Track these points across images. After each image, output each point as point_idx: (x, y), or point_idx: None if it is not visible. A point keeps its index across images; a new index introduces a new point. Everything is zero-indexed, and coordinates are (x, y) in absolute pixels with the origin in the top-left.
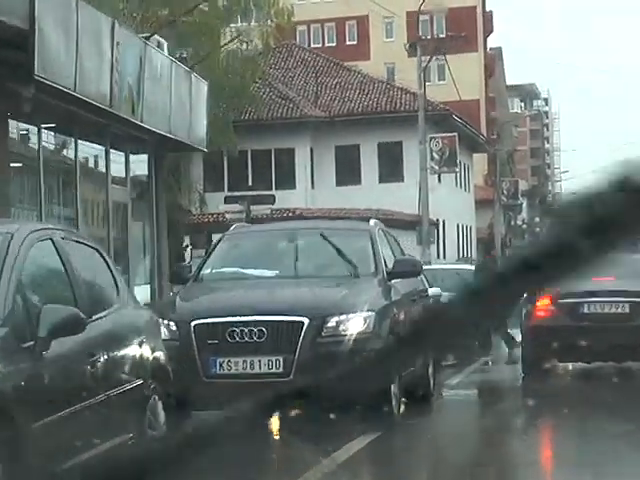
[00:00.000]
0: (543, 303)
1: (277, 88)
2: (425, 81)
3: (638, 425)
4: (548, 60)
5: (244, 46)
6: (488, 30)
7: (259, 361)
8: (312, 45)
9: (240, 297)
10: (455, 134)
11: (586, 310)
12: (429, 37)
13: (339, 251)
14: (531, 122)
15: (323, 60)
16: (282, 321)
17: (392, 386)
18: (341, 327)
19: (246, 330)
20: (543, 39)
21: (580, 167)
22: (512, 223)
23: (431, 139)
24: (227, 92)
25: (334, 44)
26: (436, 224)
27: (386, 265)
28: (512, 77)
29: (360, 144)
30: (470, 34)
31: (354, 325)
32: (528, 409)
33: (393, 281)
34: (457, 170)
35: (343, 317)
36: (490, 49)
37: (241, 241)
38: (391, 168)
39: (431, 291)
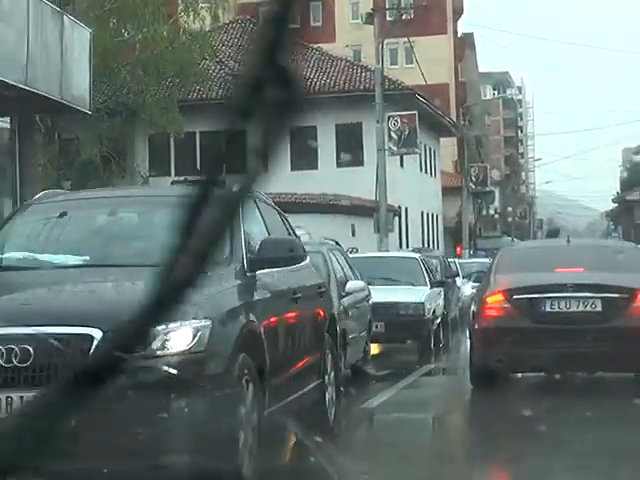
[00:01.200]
0: (494, 299)
1: (229, 66)
2: (383, 58)
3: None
4: (522, 48)
5: (192, 20)
6: (458, 12)
7: (20, 398)
8: None
9: (3, 300)
10: (415, 112)
11: (548, 308)
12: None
13: None
14: (504, 110)
15: None
16: (56, 335)
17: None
18: (156, 344)
19: (2, 349)
20: (516, 26)
21: (552, 153)
22: (484, 212)
23: (389, 118)
24: (172, 68)
25: (297, 25)
26: (397, 211)
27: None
28: (485, 65)
29: (317, 125)
30: (439, 16)
31: (177, 341)
32: (476, 440)
33: (259, 272)
34: (418, 151)
35: (161, 328)
36: (462, 34)
37: (44, 214)
38: (350, 151)
39: (351, 285)
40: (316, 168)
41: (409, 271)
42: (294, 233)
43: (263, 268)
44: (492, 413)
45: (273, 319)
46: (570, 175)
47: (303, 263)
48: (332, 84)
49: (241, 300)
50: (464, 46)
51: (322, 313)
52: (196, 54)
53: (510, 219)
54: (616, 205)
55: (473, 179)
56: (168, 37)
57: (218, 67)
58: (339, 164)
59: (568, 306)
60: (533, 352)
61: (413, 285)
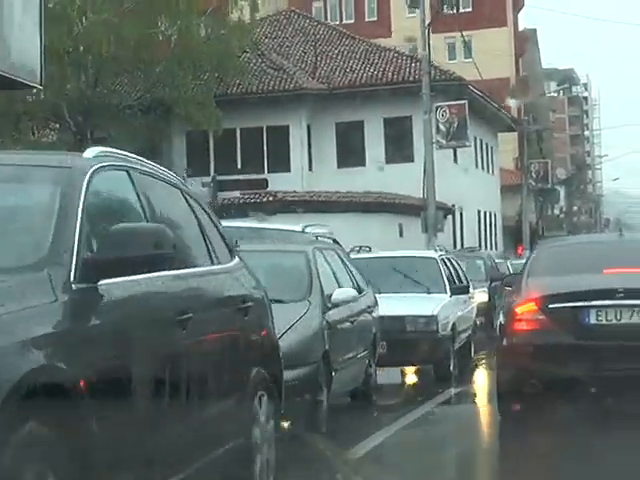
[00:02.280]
0: (526, 309)
1: (270, 58)
2: (430, 50)
3: None
4: (587, 44)
5: (230, 10)
6: (519, 5)
7: None
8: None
9: None
10: (465, 102)
11: (593, 320)
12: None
13: None
14: (570, 107)
15: (325, 28)
16: None
17: None
18: None
19: None
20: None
21: (620, 147)
22: (549, 212)
23: (437, 108)
24: (209, 62)
25: (352, 21)
26: (450, 210)
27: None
28: (549, 62)
29: (364, 120)
30: (499, 8)
31: None
32: None
33: (104, 281)
34: (468, 144)
35: None
36: (524, 28)
37: None
38: (399, 147)
39: (338, 294)
40: (364, 165)
41: (425, 275)
42: (212, 226)
43: (109, 274)
44: (522, 457)
45: (116, 363)
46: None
47: (219, 267)
48: (380, 76)
49: (43, 330)
50: (525, 40)
51: (244, 340)
52: (235, 47)
53: (576, 218)
54: None
55: (533, 175)
56: (205, 29)
57: (260, 60)
58: (388, 160)
59: (619, 317)
60: (574, 376)
61: (428, 292)
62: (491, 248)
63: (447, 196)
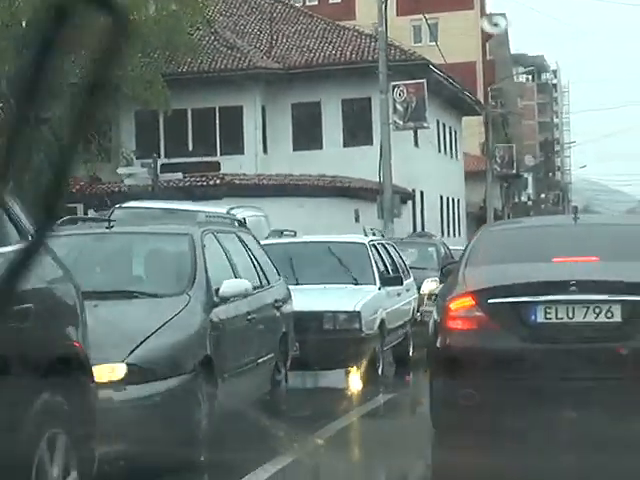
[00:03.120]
0: (461, 305)
1: (224, 37)
2: (387, 26)
3: None
4: (556, 31)
5: None
6: None
7: None
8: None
9: None
10: (423, 81)
11: (541, 318)
12: None
13: None
14: (539, 95)
15: (282, 6)
16: None
17: None
18: None
19: None
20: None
21: (588, 133)
22: (516, 199)
23: (394, 88)
24: (158, 39)
25: (316, 2)
26: (410, 194)
27: None
28: (518, 49)
29: (321, 101)
30: None
31: None
32: None
33: None
34: (427, 125)
35: None
36: (491, 15)
37: None
38: (358, 129)
39: (227, 287)
40: (321, 148)
41: (352, 263)
42: None
43: None
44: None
45: None
46: (608, 157)
47: None
48: (338, 55)
49: None
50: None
51: (21, 356)
52: (186, 23)
53: (543, 206)
54: None
55: (498, 161)
56: (155, 4)
57: (212, 38)
58: (346, 143)
59: (571, 315)
60: (517, 385)
61: (354, 284)
62: (454, 235)
63: (407, 181)
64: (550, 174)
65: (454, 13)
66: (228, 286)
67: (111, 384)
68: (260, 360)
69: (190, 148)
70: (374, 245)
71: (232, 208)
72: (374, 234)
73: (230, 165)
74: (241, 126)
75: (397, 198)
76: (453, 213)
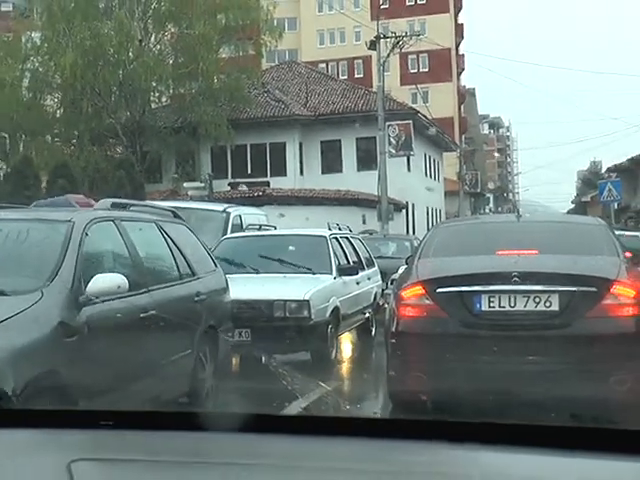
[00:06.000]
0: (412, 293)
1: (273, 94)
2: (383, 80)
3: None
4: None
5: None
6: (460, 67)
7: None
8: None
9: None
10: (410, 121)
11: (484, 306)
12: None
13: None
14: (498, 142)
15: (315, 74)
16: None
17: None
18: None
19: None
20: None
21: (532, 164)
22: (481, 211)
23: (389, 126)
24: (225, 95)
25: (346, 77)
26: (404, 205)
27: None
28: (483, 110)
29: (341, 139)
30: (446, 69)
31: None
32: None
33: None
34: (412, 153)
35: None
36: (465, 87)
37: None
38: (367, 159)
39: (96, 282)
40: (341, 172)
41: (311, 255)
42: None
43: None
44: None
45: None
46: (541, 182)
47: None
48: (353, 106)
49: None
50: (466, 94)
51: None
52: (245, 85)
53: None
54: (573, 205)
55: (468, 183)
56: (223, 70)
57: (265, 95)
58: (359, 168)
59: (512, 304)
60: (461, 368)
61: (312, 273)
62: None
63: (402, 195)
64: (505, 194)
65: (440, 84)
66: (97, 282)
67: None
68: (165, 361)
69: (249, 172)
70: (336, 238)
71: (229, 207)
72: (340, 229)
73: (277, 183)
74: (284, 156)
75: (391, 207)
76: (435, 219)
